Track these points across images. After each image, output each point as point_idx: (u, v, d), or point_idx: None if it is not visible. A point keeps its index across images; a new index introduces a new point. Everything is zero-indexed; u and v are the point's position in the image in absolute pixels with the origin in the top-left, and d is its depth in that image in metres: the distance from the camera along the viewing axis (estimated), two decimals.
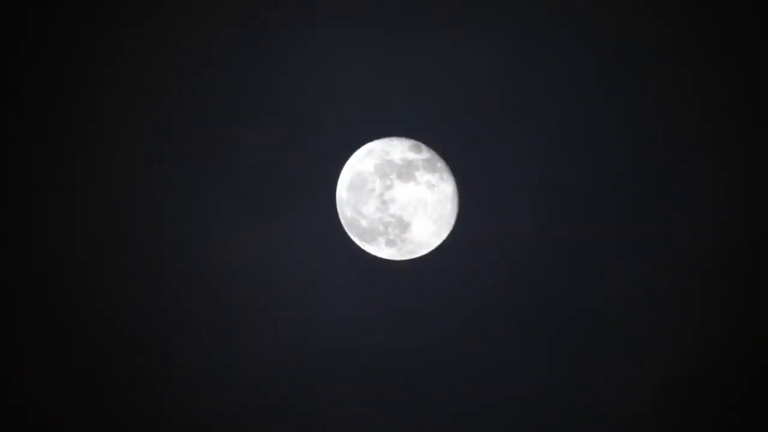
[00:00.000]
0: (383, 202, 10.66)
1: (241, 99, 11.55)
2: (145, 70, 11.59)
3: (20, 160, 11.55)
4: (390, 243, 10.91)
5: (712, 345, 11.53)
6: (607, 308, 11.61)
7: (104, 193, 11.65)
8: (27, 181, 11.55)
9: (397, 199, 10.65)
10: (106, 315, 11.65)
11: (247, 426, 11.65)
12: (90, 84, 11.55)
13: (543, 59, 11.47)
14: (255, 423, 11.67)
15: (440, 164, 11.03)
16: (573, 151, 11.51)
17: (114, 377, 11.63)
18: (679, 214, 11.52)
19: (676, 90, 11.45)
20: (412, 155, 10.90)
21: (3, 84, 11.51)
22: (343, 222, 11.17)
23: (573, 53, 11.47)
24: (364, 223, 10.85)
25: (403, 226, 10.73)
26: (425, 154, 10.98)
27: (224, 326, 11.66)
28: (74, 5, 11.49)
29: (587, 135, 11.52)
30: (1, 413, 11.55)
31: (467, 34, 11.43)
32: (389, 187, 10.66)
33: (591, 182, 11.54)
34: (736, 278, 11.51)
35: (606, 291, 11.59)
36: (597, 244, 11.59)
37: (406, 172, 10.74)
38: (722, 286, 11.50)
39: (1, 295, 11.54)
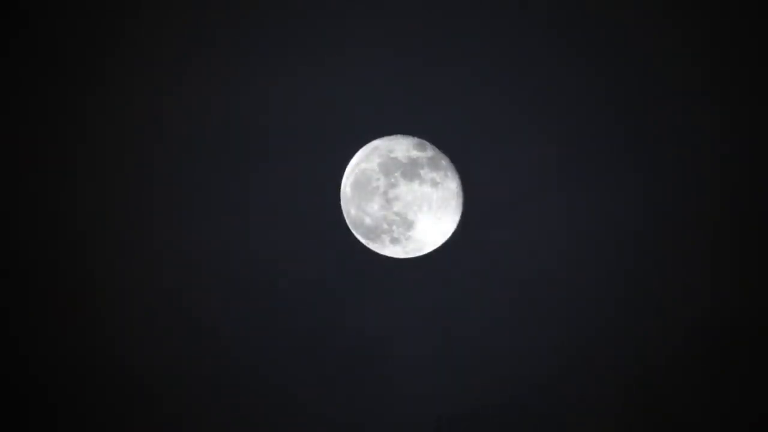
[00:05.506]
0: (387, 200, 10.65)
1: (245, 98, 11.55)
2: (144, 71, 11.59)
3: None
4: (394, 241, 10.90)
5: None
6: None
7: (104, 194, 11.64)
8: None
9: (401, 197, 10.65)
10: (105, 315, 11.65)
11: (254, 425, 11.63)
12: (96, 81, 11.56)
13: (545, 58, 11.50)
14: (257, 423, 11.65)
15: (444, 162, 11.03)
16: (576, 149, 11.54)
17: (116, 377, 11.62)
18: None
19: (681, 86, 11.50)
20: (416, 153, 10.91)
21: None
22: (347, 220, 11.16)
23: (574, 53, 11.50)
24: (368, 221, 10.84)
25: (408, 224, 10.72)
26: (429, 152, 10.99)
27: (227, 324, 11.64)
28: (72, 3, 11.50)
29: (589, 133, 11.55)
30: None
31: (471, 33, 11.46)
32: (394, 185, 10.66)
33: (594, 181, 11.57)
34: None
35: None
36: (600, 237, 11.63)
37: (410, 170, 10.74)
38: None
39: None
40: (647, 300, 11.56)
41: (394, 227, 10.74)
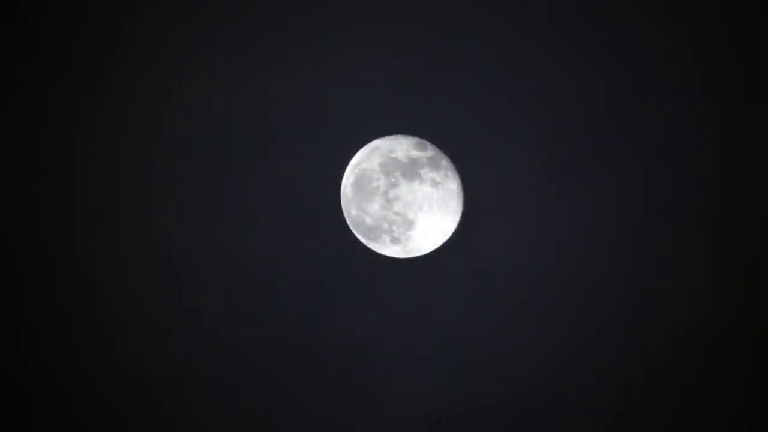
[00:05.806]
0: (388, 200, 10.66)
1: (245, 98, 11.55)
2: (144, 71, 11.58)
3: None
4: (395, 241, 10.90)
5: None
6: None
7: (104, 194, 11.63)
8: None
9: (401, 197, 10.65)
10: (111, 315, 11.64)
11: (254, 425, 11.62)
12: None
13: (545, 58, 11.50)
14: (257, 423, 11.64)
15: (445, 162, 11.04)
16: (576, 149, 11.54)
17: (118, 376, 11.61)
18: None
19: (681, 86, 11.50)
20: (416, 153, 10.91)
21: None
22: (347, 220, 11.16)
23: (574, 53, 11.50)
24: (368, 221, 10.84)
25: (408, 224, 10.73)
26: (430, 151, 10.99)
27: (227, 324, 11.63)
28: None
29: (589, 133, 11.55)
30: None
31: (471, 33, 11.45)
32: (394, 185, 10.66)
33: (594, 181, 11.57)
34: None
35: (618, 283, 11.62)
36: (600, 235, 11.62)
37: (410, 169, 10.75)
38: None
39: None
40: (647, 300, 11.56)
41: (395, 227, 10.75)
